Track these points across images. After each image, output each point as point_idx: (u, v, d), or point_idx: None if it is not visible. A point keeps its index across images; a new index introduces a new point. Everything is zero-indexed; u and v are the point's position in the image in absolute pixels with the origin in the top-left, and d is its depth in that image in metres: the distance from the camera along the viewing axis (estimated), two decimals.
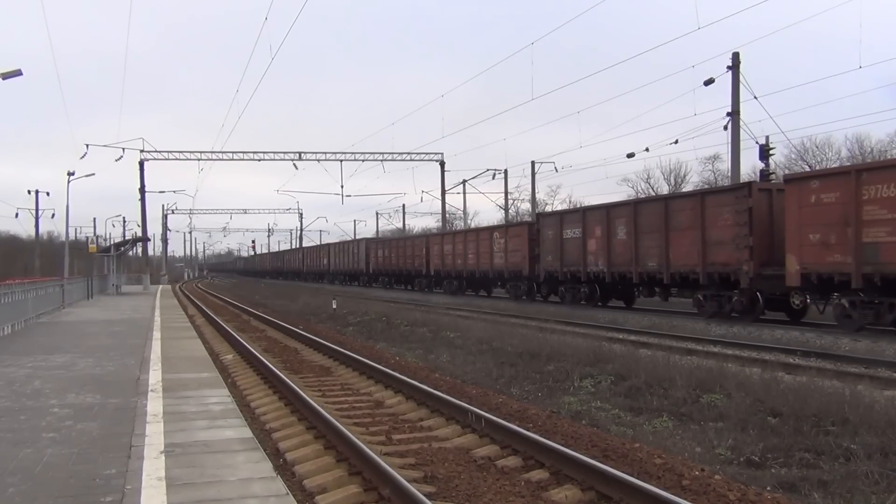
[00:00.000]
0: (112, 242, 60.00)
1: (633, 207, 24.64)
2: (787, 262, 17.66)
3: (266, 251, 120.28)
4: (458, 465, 6.64)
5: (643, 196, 32.83)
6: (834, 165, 44.69)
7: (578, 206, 47.58)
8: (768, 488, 5.93)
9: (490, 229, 37.39)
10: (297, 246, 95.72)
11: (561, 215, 29.46)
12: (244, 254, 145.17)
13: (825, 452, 6.82)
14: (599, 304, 26.93)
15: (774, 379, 9.93)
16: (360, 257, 55.80)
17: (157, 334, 16.81)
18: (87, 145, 48.13)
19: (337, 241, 74.25)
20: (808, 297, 18.62)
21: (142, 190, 52.73)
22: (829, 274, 16.76)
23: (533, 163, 48.25)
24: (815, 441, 7.14)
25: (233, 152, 52.43)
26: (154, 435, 6.71)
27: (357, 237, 77.53)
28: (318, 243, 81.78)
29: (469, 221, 64.46)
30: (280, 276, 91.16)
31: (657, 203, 23.94)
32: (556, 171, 49.13)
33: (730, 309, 20.45)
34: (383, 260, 51.05)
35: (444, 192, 54.46)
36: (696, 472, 6.09)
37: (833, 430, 7.42)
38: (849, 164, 17.81)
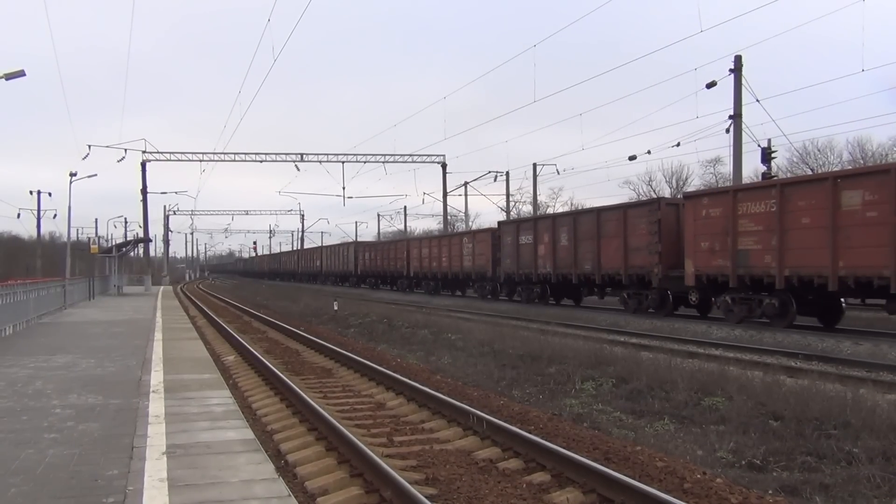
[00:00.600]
0: (114, 243, 60.02)
1: (573, 218, 27.83)
2: (686, 266, 21.05)
3: (268, 253, 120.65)
4: (460, 467, 6.64)
5: (582, 209, 37.58)
6: (835, 169, 44.78)
7: (571, 209, 51.91)
8: (770, 491, 5.93)
9: (461, 235, 40.91)
10: (298, 248, 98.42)
11: (517, 224, 32.68)
12: (246, 255, 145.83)
13: (827, 456, 6.82)
14: (551, 301, 29.91)
15: (776, 382, 9.91)
16: (349, 260, 58.51)
17: (158, 335, 16.82)
18: (90, 146, 48.40)
19: (328, 244, 77.95)
20: (701, 294, 21.75)
21: (144, 191, 52.86)
22: (714, 275, 20.10)
23: (535, 165, 48.34)
24: (816, 444, 7.14)
25: (235, 153, 52.60)
26: (156, 436, 6.72)
27: (358, 239, 77.85)
28: (321, 244, 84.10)
29: (470, 223, 64.45)
30: (277, 276, 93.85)
31: (591, 214, 26.81)
32: (558, 173, 49.01)
33: (647, 305, 23.67)
34: (370, 262, 54.11)
35: (445, 194, 54.54)
36: (698, 475, 6.08)
37: (835, 433, 7.42)
38: (730, 185, 22.46)
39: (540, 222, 30.23)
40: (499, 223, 35.52)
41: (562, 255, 27.71)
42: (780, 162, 40.51)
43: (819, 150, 51.16)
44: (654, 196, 53.94)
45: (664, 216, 22.68)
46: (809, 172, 45.46)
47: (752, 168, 42.42)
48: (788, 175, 42.40)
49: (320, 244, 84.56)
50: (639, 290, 24.04)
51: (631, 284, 24.20)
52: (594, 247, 25.58)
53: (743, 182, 26.50)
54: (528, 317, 23.90)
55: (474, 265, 36.12)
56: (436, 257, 41.21)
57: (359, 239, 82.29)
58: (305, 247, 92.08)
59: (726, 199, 19.66)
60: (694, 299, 22.00)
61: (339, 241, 76.52)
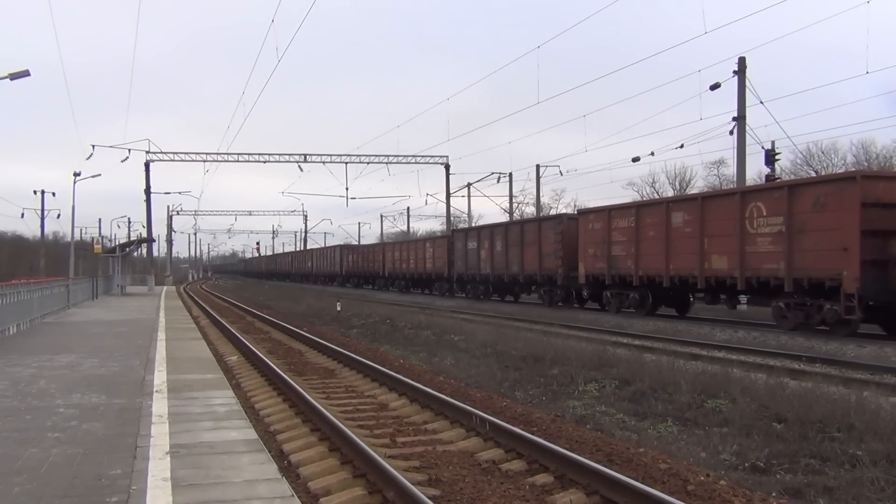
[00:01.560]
0: (117, 243, 60.06)
1: (505, 228, 33.92)
2: (579, 268, 26.75)
3: (270, 254, 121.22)
4: (463, 468, 6.63)
5: (514, 220, 44.61)
6: (839, 171, 44.77)
7: (562, 211, 55.95)
8: (773, 494, 5.92)
9: (424, 240, 49.44)
10: (291, 250, 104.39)
11: (466, 231, 39.18)
12: (248, 256, 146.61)
13: (830, 459, 6.80)
14: (495, 298, 35.57)
15: (779, 384, 9.90)
16: (335, 261, 64.51)
17: (161, 335, 16.84)
18: (93, 146, 48.19)
19: (317, 247, 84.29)
20: (591, 290, 27.19)
21: (147, 191, 52.88)
22: (597, 275, 25.74)
23: (538, 166, 48.31)
24: (820, 447, 7.12)
25: (238, 154, 52.54)
26: (159, 436, 6.72)
27: (361, 242, 78.23)
28: (313, 247, 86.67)
29: (473, 225, 64.50)
30: (273, 277, 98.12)
31: (517, 225, 33.51)
32: (561, 174, 49.00)
33: (557, 300, 29.36)
34: (352, 264, 60.61)
35: (448, 195, 54.46)
36: (701, 478, 6.07)
37: (838, 436, 7.40)
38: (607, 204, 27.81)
39: (482, 231, 36.30)
40: (452, 231, 43.07)
41: (497, 259, 33.21)
42: (783, 164, 40.48)
43: (823, 153, 51.09)
44: (659, 197, 53.96)
45: (566, 228, 28.08)
46: (813, 174, 45.49)
47: (755, 170, 42.35)
48: (792, 177, 42.39)
49: (324, 245, 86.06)
50: (551, 288, 29.62)
51: (544, 283, 29.88)
52: (519, 252, 31.15)
53: (746, 184, 26.58)
54: (530, 318, 23.92)
55: (434, 267, 42.14)
56: (405, 260, 47.18)
57: (360, 240, 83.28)
58: (300, 249, 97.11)
59: (604, 216, 25.31)
60: (586, 294, 27.71)
61: (337, 244, 78.05)
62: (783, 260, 17.94)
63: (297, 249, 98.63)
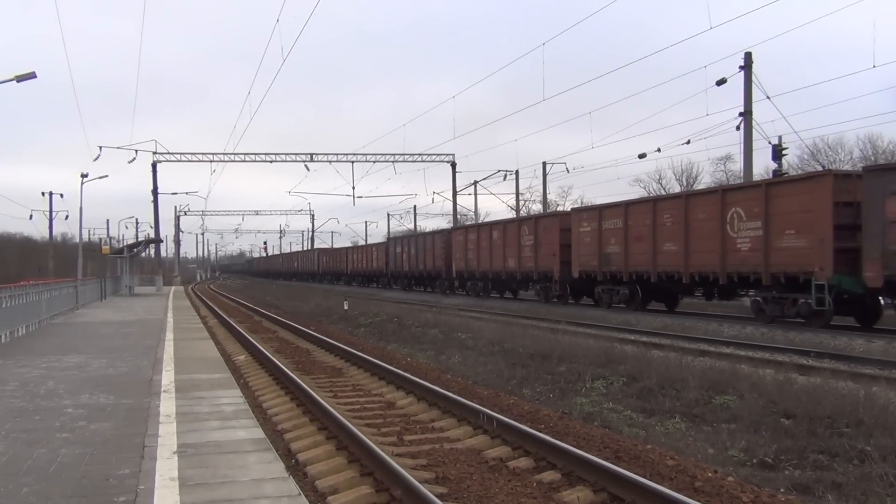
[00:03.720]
0: (125, 244, 60.29)
1: (490, 226, 37.81)
2: (573, 265, 28.50)
3: (272, 254, 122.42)
4: (470, 466, 6.63)
5: (500, 219, 45.62)
6: (846, 167, 44.65)
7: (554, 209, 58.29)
8: (782, 490, 5.90)
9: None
10: (300, 250, 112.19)
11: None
12: (255, 255, 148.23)
13: (839, 454, 6.77)
14: (494, 295, 37.88)
15: (788, 380, 9.85)
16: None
17: (169, 335, 16.89)
18: (101, 147, 48.30)
19: (301, 250, 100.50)
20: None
21: (154, 191, 52.91)
22: (589, 272, 27.58)
23: (544, 164, 48.18)
24: (828, 443, 7.09)
25: (245, 154, 52.55)
26: (167, 435, 6.74)
27: (368, 239, 79.64)
28: (332, 246, 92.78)
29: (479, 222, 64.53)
30: (269, 275, 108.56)
31: (514, 223, 35.10)
32: (568, 171, 48.88)
33: (552, 296, 30.96)
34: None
35: (455, 194, 54.41)
36: (709, 474, 6.05)
37: (847, 431, 7.36)
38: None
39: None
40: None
41: (488, 256, 36.08)
42: (790, 159, 40.21)
43: (830, 147, 50.84)
44: (667, 192, 53.84)
45: (561, 226, 29.63)
46: (820, 169, 45.27)
47: (762, 165, 42.14)
48: (799, 172, 42.23)
49: (331, 244, 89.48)
50: (546, 284, 31.44)
51: (540, 280, 31.58)
52: (516, 250, 33.06)
53: (752, 179, 26.44)
54: (537, 315, 23.88)
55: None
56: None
57: (364, 240, 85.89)
58: (294, 250, 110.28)
59: (595, 214, 27.43)
60: (568, 290, 29.84)
61: (351, 245, 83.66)
62: (761, 256, 19.02)
63: (287, 252, 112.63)
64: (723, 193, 21.24)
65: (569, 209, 37.73)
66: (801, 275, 18.06)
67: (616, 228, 25.49)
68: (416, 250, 46.51)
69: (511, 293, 37.71)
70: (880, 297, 18.08)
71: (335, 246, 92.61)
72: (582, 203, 65.57)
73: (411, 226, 79.37)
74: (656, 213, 23.33)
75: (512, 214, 51.60)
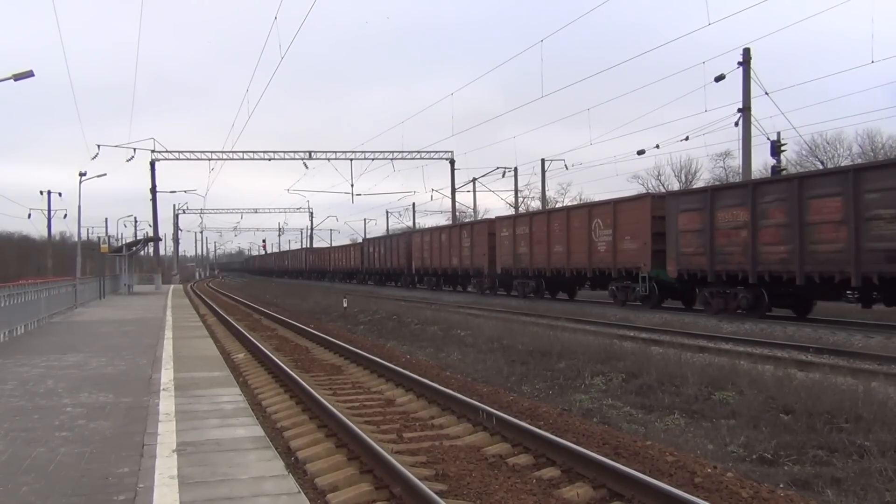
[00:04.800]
0: (124, 242, 60.18)
1: (408, 237, 47.81)
2: (496, 263, 34.15)
3: (271, 252, 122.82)
4: (470, 463, 6.63)
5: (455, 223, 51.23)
6: (844, 163, 44.59)
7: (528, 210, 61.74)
8: (781, 486, 5.90)
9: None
10: (275, 251, 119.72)
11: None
12: (254, 253, 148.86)
13: (838, 450, 6.78)
14: (447, 288, 43.00)
15: (787, 376, 9.86)
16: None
17: (168, 333, 16.89)
18: (99, 146, 48.38)
19: (291, 249, 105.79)
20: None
21: (153, 190, 52.93)
22: (507, 269, 33.05)
23: (543, 160, 48.14)
24: (828, 438, 7.10)
25: (243, 152, 52.59)
26: (166, 434, 6.75)
27: (368, 237, 79.50)
28: (329, 245, 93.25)
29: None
30: (265, 273, 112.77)
31: (465, 227, 40.57)
32: (566, 168, 49.02)
33: (485, 289, 36.58)
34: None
35: (454, 191, 54.42)
36: (709, 470, 6.06)
37: (846, 427, 7.37)
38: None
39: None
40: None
41: (438, 254, 42.01)
42: (789, 155, 40.16)
43: (828, 143, 50.86)
44: (666, 189, 53.93)
45: (414, 239, 44.59)
46: (820, 166, 45.37)
47: (761, 161, 42.18)
48: (799, 169, 42.25)
49: (329, 242, 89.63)
50: (480, 279, 37.04)
51: (475, 275, 37.35)
52: (458, 249, 39.12)
53: (753, 177, 26.51)
54: (537, 312, 23.89)
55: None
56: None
57: (366, 237, 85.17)
58: (289, 249, 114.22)
59: (510, 222, 33.30)
60: (494, 283, 35.80)
61: (343, 244, 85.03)
62: (705, 256, 21.16)
63: (278, 251, 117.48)
64: (590, 208, 27.62)
65: (553, 207, 43.43)
66: (634, 269, 24.35)
67: (524, 234, 31.16)
68: (385, 250, 52.30)
69: (461, 287, 42.15)
70: (696, 288, 22.56)
71: (334, 245, 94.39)
72: (581, 199, 65.80)
73: (410, 223, 79.46)
74: (550, 223, 29.34)
75: (511, 211, 51.66)
